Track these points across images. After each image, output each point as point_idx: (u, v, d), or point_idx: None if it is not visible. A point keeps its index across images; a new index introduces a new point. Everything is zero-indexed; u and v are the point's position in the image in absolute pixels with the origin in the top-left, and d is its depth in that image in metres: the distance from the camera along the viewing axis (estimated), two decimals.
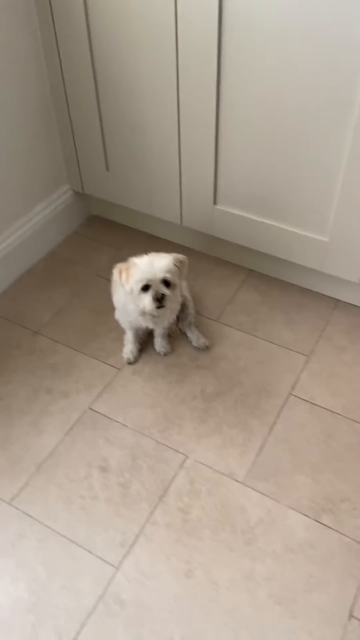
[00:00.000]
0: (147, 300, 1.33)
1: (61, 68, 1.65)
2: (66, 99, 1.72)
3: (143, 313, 1.40)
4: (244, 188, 1.61)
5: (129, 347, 1.61)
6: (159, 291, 1.32)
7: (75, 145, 1.83)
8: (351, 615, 1.12)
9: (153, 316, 1.42)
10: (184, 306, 1.62)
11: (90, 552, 1.22)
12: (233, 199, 1.66)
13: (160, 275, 1.31)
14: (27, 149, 1.74)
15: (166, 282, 1.33)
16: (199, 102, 1.48)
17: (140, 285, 1.32)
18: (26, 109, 1.68)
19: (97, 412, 1.49)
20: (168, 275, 1.32)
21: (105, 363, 1.61)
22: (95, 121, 1.71)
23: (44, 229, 1.90)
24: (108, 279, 1.82)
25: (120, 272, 1.35)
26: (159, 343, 1.63)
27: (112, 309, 1.64)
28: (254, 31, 1.29)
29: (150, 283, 1.32)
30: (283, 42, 1.28)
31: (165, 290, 1.33)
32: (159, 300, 1.32)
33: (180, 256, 1.38)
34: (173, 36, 1.39)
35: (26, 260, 1.89)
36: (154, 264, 1.32)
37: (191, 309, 1.66)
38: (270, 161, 1.50)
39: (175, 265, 1.35)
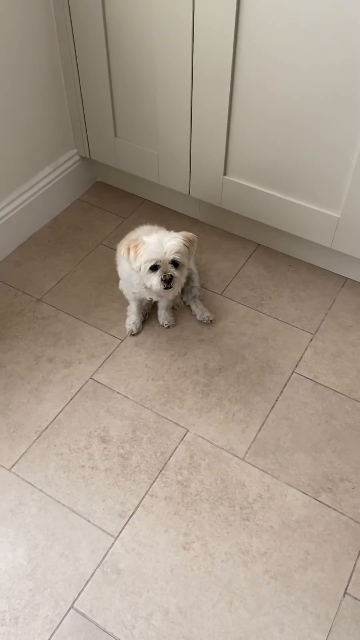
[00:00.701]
0: (155, 281, 1.31)
1: (72, 30, 1.58)
2: (76, 61, 1.65)
3: (153, 291, 1.37)
4: (256, 159, 1.56)
5: (132, 318, 1.59)
6: (168, 272, 1.30)
7: (83, 110, 1.77)
8: (346, 593, 1.14)
9: (162, 294, 1.40)
10: (189, 279, 1.59)
11: (89, 521, 1.23)
12: (244, 170, 1.61)
13: (170, 256, 1.29)
14: (34, 112, 1.69)
15: (175, 263, 1.31)
16: (213, 69, 1.43)
17: (148, 265, 1.30)
18: (34, 72, 1.62)
19: (98, 382, 1.48)
20: (177, 257, 1.30)
21: (108, 333, 1.59)
22: (105, 86, 1.65)
23: (49, 194, 1.86)
24: (113, 248, 1.79)
25: (128, 250, 1.32)
26: (163, 315, 1.61)
27: (115, 278, 1.61)
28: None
29: (159, 264, 1.30)
30: (303, 11, 1.22)
31: (174, 272, 1.31)
32: (167, 282, 1.31)
33: (190, 235, 1.35)
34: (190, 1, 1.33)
35: (30, 226, 1.85)
36: (163, 244, 1.29)
37: (196, 282, 1.63)
38: (284, 133, 1.46)
39: (185, 245, 1.32)
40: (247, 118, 1.49)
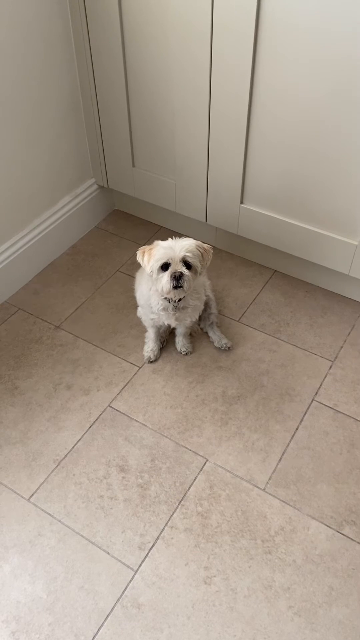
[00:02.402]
0: (165, 280, 1.30)
1: (92, 63, 1.62)
2: (95, 94, 1.69)
3: (167, 296, 1.36)
4: (273, 188, 1.58)
5: (150, 345, 1.59)
6: (178, 269, 1.29)
7: (102, 141, 1.80)
8: None
9: (175, 309, 1.39)
10: (206, 305, 1.60)
11: (108, 553, 1.21)
12: (260, 198, 1.62)
13: (181, 253, 1.29)
14: (54, 143, 1.72)
15: (187, 264, 1.30)
16: (230, 101, 1.45)
17: (159, 263, 1.30)
18: (55, 105, 1.66)
19: (117, 410, 1.48)
20: (188, 255, 1.29)
21: (126, 360, 1.59)
22: (124, 117, 1.69)
23: (68, 223, 1.88)
24: (130, 275, 1.81)
25: (143, 253, 1.33)
26: (180, 342, 1.61)
27: (133, 305, 1.62)
28: (291, 31, 1.26)
29: (169, 261, 1.29)
30: (319, 42, 1.24)
31: (184, 270, 1.29)
32: (177, 279, 1.29)
33: (206, 245, 1.36)
34: (208, 33, 1.36)
35: (49, 254, 1.87)
36: (175, 244, 1.30)
37: (213, 309, 1.63)
38: (300, 161, 1.47)
39: (199, 249, 1.32)
40: (263, 147, 1.50)
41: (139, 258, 1.35)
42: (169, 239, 1.33)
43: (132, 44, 1.52)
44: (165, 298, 1.38)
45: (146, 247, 1.34)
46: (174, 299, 1.37)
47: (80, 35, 1.59)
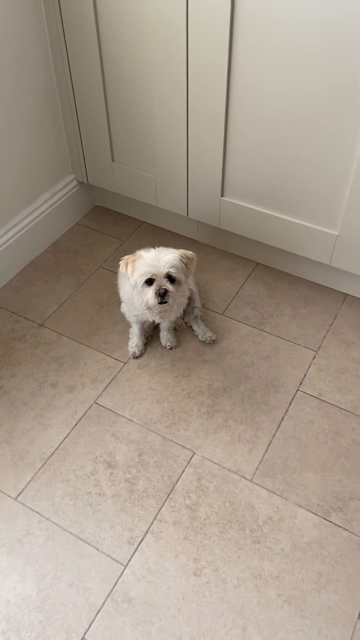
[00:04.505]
0: (149, 295, 1.31)
1: (67, 56, 1.61)
2: (72, 88, 1.68)
3: (149, 307, 1.38)
4: (252, 180, 1.58)
5: (134, 341, 1.59)
6: (162, 286, 1.30)
7: (80, 136, 1.79)
8: None
9: (159, 311, 1.40)
10: (190, 300, 1.60)
11: (97, 549, 1.21)
12: (241, 190, 1.63)
13: (165, 270, 1.29)
14: (31, 139, 1.71)
15: (170, 278, 1.31)
16: (208, 95, 1.45)
17: (143, 278, 1.30)
18: (31, 99, 1.64)
19: (102, 406, 1.47)
20: (172, 271, 1.30)
21: (111, 357, 1.59)
22: (102, 111, 1.68)
23: (48, 220, 1.87)
24: (112, 271, 1.80)
25: (126, 264, 1.33)
26: (165, 337, 1.61)
27: (116, 301, 1.61)
28: (266, 21, 1.26)
29: (153, 277, 1.30)
30: (295, 34, 1.24)
31: (169, 286, 1.30)
32: (162, 296, 1.30)
33: (189, 253, 1.35)
34: (184, 25, 1.36)
35: (30, 252, 1.86)
36: (159, 258, 1.30)
37: (197, 303, 1.64)
38: (280, 153, 1.47)
39: (182, 261, 1.32)
40: (242, 140, 1.51)
41: (122, 269, 1.35)
42: (152, 249, 1.33)
43: (108, 38, 1.51)
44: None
45: (129, 258, 1.33)
46: (160, 311, 1.39)
47: (55, 30, 1.57)
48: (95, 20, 1.48)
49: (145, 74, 1.52)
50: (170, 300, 1.32)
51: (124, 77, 1.57)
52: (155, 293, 1.30)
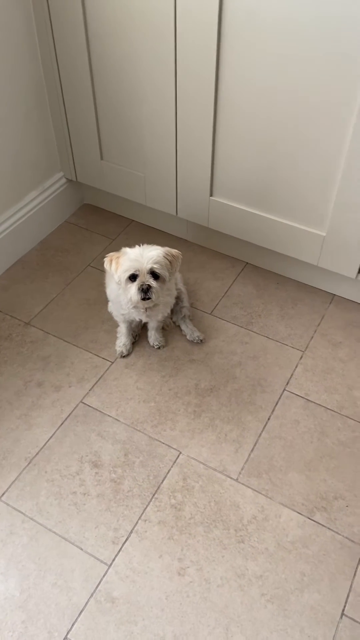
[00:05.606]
0: (132, 291, 1.31)
1: (55, 52, 1.60)
2: (60, 84, 1.67)
3: (136, 305, 1.37)
4: (241, 180, 1.58)
5: (122, 340, 1.59)
6: (145, 282, 1.30)
7: (69, 133, 1.78)
8: (343, 614, 1.12)
9: (145, 309, 1.40)
10: (178, 299, 1.59)
11: (81, 549, 1.21)
12: (229, 190, 1.63)
13: (148, 265, 1.29)
14: (19, 136, 1.70)
15: (154, 274, 1.31)
16: (197, 93, 1.45)
17: (127, 274, 1.30)
18: (17, 95, 1.63)
19: (89, 406, 1.47)
20: (156, 267, 1.30)
21: (98, 356, 1.58)
22: (90, 108, 1.67)
23: (36, 218, 1.86)
24: (101, 270, 1.79)
25: (110, 261, 1.33)
26: (153, 336, 1.60)
27: (104, 300, 1.61)
28: (255, 22, 1.26)
29: (137, 273, 1.30)
30: (283, 36, 1.24)
31: (152, 282, 1.30)
32: (145, 292, 1.30)
33: (174, 251, 1.35)
34: (172, 24, 1.35)
35: (18, 250, 1.85)
36: (143, 254, 1.30)
37: (185, 302, 1.63)
38: (268, 154, 1.47)
39: (167, 258, 1.32)
40: (231, 140, 1.50)
41: (106, 265, 1.35)
42: (137, 246, 1.33)
43: (96, 34, 1.50)
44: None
45: (114, 255, 1.33)
46: (142, 308, 1.39)
47: (42, 23, 1.56)
48: (84, 15, 1.48)
49: (133, 71, 1.51)
50: (153, 297, 1.32)
51: (113, 75, 1.56)
52: (138, 289, 1.30)
